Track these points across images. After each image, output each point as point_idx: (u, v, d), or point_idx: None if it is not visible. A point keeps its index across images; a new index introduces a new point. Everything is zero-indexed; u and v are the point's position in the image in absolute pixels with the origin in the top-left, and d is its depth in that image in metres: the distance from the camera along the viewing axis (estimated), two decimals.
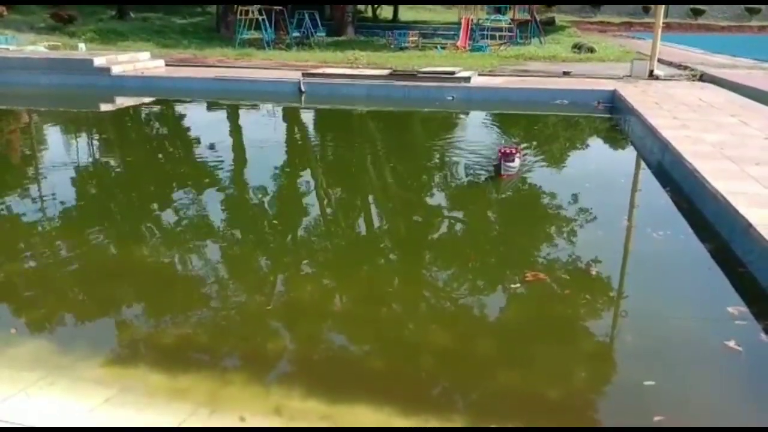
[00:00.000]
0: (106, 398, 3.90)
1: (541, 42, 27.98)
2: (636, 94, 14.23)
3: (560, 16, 37.43)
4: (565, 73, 18.39)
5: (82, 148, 12.58)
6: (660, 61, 18.81)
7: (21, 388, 3.97)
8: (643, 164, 10.43)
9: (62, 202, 8.41)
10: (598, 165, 10.74)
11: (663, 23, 17.97)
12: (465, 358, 4.70)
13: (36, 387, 4.00)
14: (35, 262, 6.54)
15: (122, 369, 4.34)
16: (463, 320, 5.30)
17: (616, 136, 13.03)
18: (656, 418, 3.88)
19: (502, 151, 8.56)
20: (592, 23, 44.76)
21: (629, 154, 11.54)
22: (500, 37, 27.42)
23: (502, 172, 8.46)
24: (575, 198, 8.18)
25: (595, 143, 12.77)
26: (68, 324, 5.21)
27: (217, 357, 4.62)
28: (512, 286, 5.71)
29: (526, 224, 7.52)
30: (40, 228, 7.51)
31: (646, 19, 45.96)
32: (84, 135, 13.97)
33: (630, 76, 17.48)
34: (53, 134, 14.11)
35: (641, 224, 7.44)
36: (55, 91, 17.92)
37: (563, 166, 10.75)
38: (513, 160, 8.53)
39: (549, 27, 33.35)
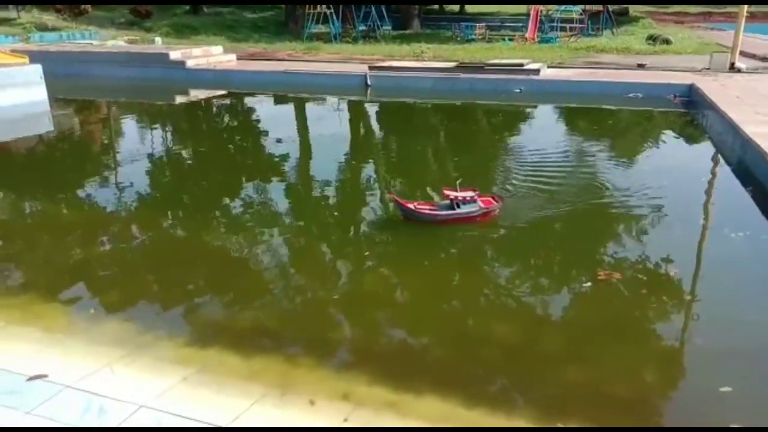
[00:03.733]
0: (184, 377, 4.08)
1: (613, 33, 27.09)
2: (715, 88, 13.61)
3: (634, 7, 36.08)
4: (640, 66, 17.77)
5: (157, 139, 13.12)
6: (742, 53, 17.89)
7: (106, 363, 4.21)
8: (722, 161, 9.98)
9: (138, 190, 8.82)
10: (673, 161, 10.34)
11: (747, 13, 17.05)
12: (533, 353, 4.66)
13: (120, 363, 4.24)
14: (113, 246, 6.91)
15: (199, 350, 4.53)
16: (531, 316, 5.25)
17: (693, 132, 12.50)
18: (733, 425, 3.75)
19: (461, 198, 6.82)
20: (668, 14, 42.88)
21: (707, 150, 11.06)
22: (570, 29, 26.72)
23: (457, 215, 6.87)
24: (650, 196, 7.91)
25: (671, 139, 12.29)
26: (146, 306, 5.47)
27: (286, 341, 4.76)
28: (584, 284, 5.60)
29: (599, 222, 7.34)
30: (117, 214, 7.90)
31: (728, 9, 43.66)
32: (159, 126, 14.56)
33: (709, 69, 16.72)
34: (130, 124, 14.78)
35: (719, 224, 7.14)
36: (133, 83, 18.72)
37: (637, 163, 10.41)
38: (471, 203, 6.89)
39: (622, 18, 32.22)
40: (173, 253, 6.71)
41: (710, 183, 8.92)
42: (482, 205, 6.82)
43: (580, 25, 27.01)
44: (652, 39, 24.21)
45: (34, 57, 16.31)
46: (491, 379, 4.28)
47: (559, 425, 3.80)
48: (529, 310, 5.33)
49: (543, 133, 12.72)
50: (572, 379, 4.32)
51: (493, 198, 6.98)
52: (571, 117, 14.64)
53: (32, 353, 4.30)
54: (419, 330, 4.98)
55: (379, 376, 4.17)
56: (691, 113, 13.52)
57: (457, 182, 6.97)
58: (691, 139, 12.06)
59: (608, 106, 14.76)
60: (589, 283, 5.57)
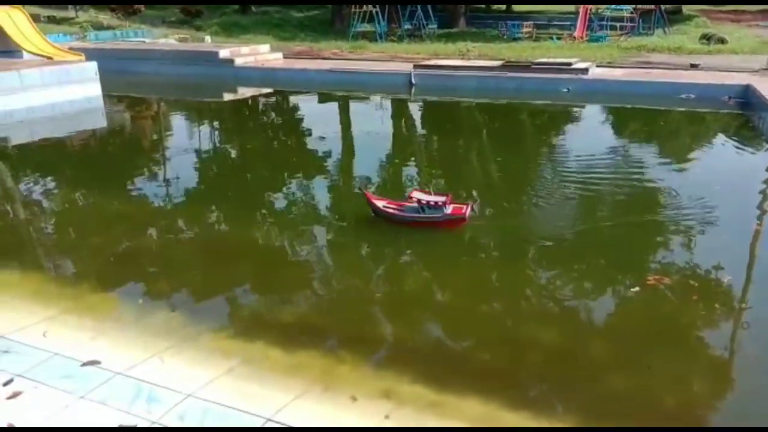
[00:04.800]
0: (229, 368, 4.17)
1: (665, 32, 26.35)
2: None
3: (688, 5, 35.01)
4: (693, 66, 17.24)
5: (205, 135, 13.41)
6: None
7: (154, 352, 4.33)
8: None
9: (185, 184, 9.04)
10: (726, 164, 10.01)
11: None
12: (578, 358, 4.59)
13: (167, 354, 4.35)
14: (160, 239, 7.11)
15: (243, 342, 4.62)
16: (577, 320, 5.17)
17: (748, 134, 12.06)
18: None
19: (425, 201, 6.66)
20: (723, 12, 41.45)
21: (762, 153, 10.66)
22: (621, 28, 26.11)
23: (420, 219, 6.74)
24: (701, 200, 7.67)
25: (724, 141, 11.89)
26: (192, 298, 5.61)
27: (329, 337, 4.81)
28: (632, 288, 5.48)
29: (647, 226, 7.15)
30: (165, 207, 8.11)
31: None
32: (207, 122, 14.87)
33: (767, 69, 16.11)
34: (179, 121, 15.15)
35: None
36: (183, 81, 19.16)
37: (688, 165, 10.12)
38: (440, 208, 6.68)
39: (675, 16, 31.31)
40: (218, 247, 6.85)
41: (765, 188, 8.60)
42: (449, 212, 6.60)
43: (631, 24, 26.35)
44: (706, 38, 23.44)
45: (90, 54, 16.88)
46: (534, 383, 4.23)
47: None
48: (575, 313, 5.25)
49: (590, 134, 12.49)
50: (617, 386, 4.24)
51: (465, 205, 6.73)
52: (620, 118, 14.32)
53: (85, 340, 4.46)
54: (462, 331, 4.97)
55: (420, 375, 4.16)
56: (747, 115, 13.05)
57: (431, 186, 6.86)
58: (745, 142, 11.63)
59: (659, 107, 14.36)
60: (637, 288, 5.45)
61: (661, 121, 13.64)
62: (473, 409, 3.85)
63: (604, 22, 26.29)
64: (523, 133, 13.07)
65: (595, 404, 4.02)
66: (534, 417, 3.81)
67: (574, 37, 24.46)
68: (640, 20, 26.85)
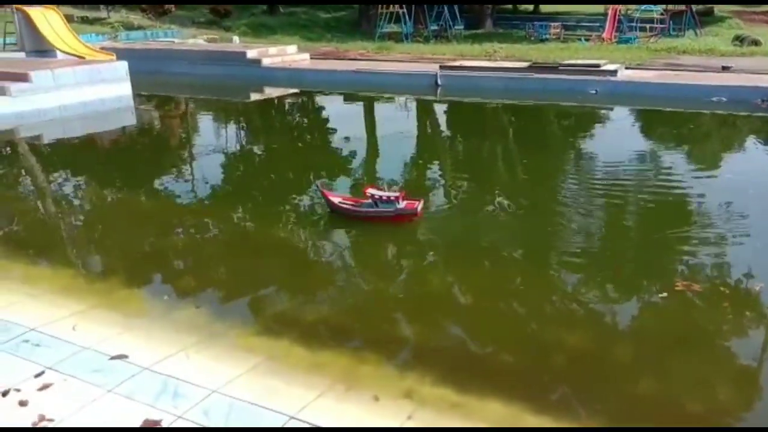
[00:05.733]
0: (254, 365, 4.21)
1: (696, 34, 25.90)
2: None
3: (720, 6, 34.33)
4: (725, 68, 16.91)
5: (231, 134, 13.56)
6: None
7: (180, 348, 4.39)
8: None
9: (211, 183, 9.14)
10: (759, 169, 9.80)
11: None
12: (603, 362, 4.54)
13: (193, 350, 4.41)
14: (186, 236, 7.21)
15: (267, 340, 4.66)
16: (603, 324, 5.12)
17: None
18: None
19: (377, 196, 6.89)
20: (757, 13, 40.58)
21: None
22: (651, 29, 25.73)
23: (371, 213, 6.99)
24: (732, 205, 7.52)
25: (757, 145, 11.64)
26: (217, 295, 5.69)
27: (353, 337, 4.83)
28: (660, 294, 5.40)
29: (677, 231, 7.03)
30: (191, 205, 8.21)
31: None
32: (234, 122, 15.03)
33: None
34: (207, 120, 15.35)
35: None
36: (211, 81, 19.37)
37: (718, 169, 9.94)
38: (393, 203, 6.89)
39: (706, 18, 30.73)
40: (243, 245, 6.92)
41: None
42: (401, 206, 6.85)
43: (661, 26, 25.94)
44: (739, 40, 22.98)
45: (121, 54, 17.18)
46: (558, 386, 4.18)
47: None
48: (600, 317, 5.19)
49: (618, 137, 12.34)
50: (643, 391, 4.18)
51: (417, 201, 6.96)
52: (649, 120, 14.11)
53: (113, 335, 4.53)
54: (485, 333, 4.95)
55: (443, 376, 4.15)
56: None
57: (385, 183, 7.04)
58: None
59: (689, 110, 14.14)
60: (665, 294, 5.36)
61: (691, 125, 13.41)
62: (495, 411, 3.83)
63: (634, 24, 25.93)
64: (549, 135, 12.96)
65: (618, 409, 3.97)
66: (556, 420, 3.78)
67: (603, 39, 24.18)
68: (671, 21, 26.43)
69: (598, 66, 16.00)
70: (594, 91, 15.26)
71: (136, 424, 3.48)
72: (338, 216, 7.17)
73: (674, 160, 10.31)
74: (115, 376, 3.96)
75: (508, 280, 5.87)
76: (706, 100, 14.21)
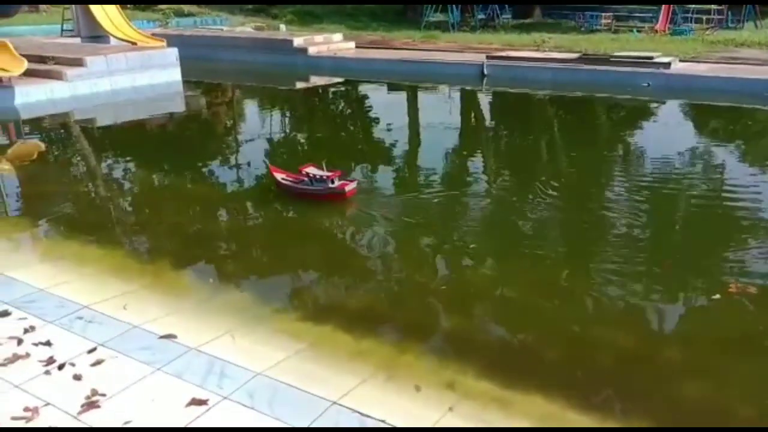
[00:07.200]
0: (297, 350, 4.26)
1: (756, 26, 24.87)
2: None
3: None
4: None
5: (276, 122, 13.70)
6: None
7: (226, 330, 4.47)
8: None
9: (256, 169, 9.24)
10: None
11: None
12: (651, 363, 4.42)
13: (238, 332, 4.48)
14: (231, 221, 7.34)
15: (311, 325, 4.71)
16: (652, 325, 4.99)
17: None
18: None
19: (312, 175, 7.26)
20: None
21: None
22: (707, 20, 24.82)
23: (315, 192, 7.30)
24: None
25: None
26: (262, 279, 5.80)
27: (395, 326, 4.84)
28: (712, 296, 5.23)
29: (730, 231, 6.79)
30: (236, 190, 8.32)
31: None
32: (279, 110, 15.17)
33: None
34: (253, 107, 15.54)
35: None
36: (258, 68, 19.58)
37: None
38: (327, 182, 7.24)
39: None
40: (285, 231, 7.02)
41: None
42: (334, 186, 7.22)
43: (719, 17, 25.02)
44: None
45: (171, 41, 17.52)
46: (603, 386, 4.11)
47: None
48: (649, 317, 5.07)
49: (669, 131, 11.98)
50: (692, 394, 4.08)
51: (351, 182, 7.38)
52: (703, 115, 13.66)
53: (162, 315, 4.65)
54: (529, 327, 4.89)
55: (486, 370, 4.13)
56: None
57: (323, 162, 7.38)
58: None
59: (746, 105, 13.60)
60: (717, 296, 5.20)
61: (748, 120, 12.92)
62: (539, 407, 3.78)
63: (689, 15, 25.07)
64: (598, 128, 12.67)
65: (665, 411, 3.87)
66: (600, 420, 3.71)
67: (656, 30, 23.45)
68: (729, 13, 25.45)
69: (650, 58, 15.54)
70: (646, 84, 14.83)
71: (184, 402, 3.56)
72: (283, 193, 7.61)
73: (729, 156, 9.96)
74: (163, 354, 4.06)
75: (552, 275, 5.77)
76: (766, 95, 13.64)
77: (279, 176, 7.70)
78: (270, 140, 11.52)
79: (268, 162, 7.92)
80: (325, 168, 7.40)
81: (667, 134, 11.67)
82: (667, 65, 15.16)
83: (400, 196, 8.06)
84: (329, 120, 13.75)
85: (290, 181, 7.64)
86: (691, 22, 24.44)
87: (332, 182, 7.23)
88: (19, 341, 4.19)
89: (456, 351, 4.46)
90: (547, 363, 4.42)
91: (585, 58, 16.37)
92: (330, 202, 7.29)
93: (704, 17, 25.01)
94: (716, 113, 13.66)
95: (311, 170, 7.38)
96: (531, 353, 4.57)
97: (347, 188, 7.26)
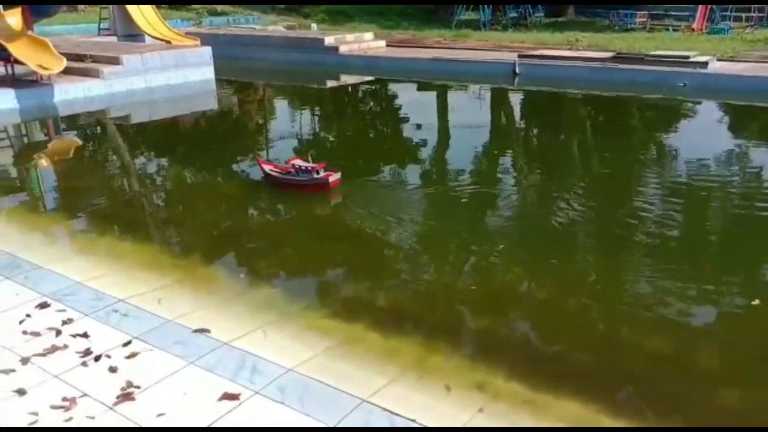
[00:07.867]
0: (327, 347, 4.27)
1: None
2: None
3: None
4: None
5: (307, 120, 13.78)
6: None
7: (258, 326, 4.51)
8: None
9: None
10: None
11: None
12: (687, 368, 4.34)
13: (270, 329, 4.52)
14: (262, 218, 7.42)
15: (341, 323, 4.73)
16: (688, 329, 4.90)
17: None
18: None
19: (297, 166, 7.69)
20: None
21: None
22: (747, 18, 24.22)
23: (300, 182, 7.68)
24: None
25: None
26: (292, 277, 5.83)
27: (425, 325, 4.82)
28: (752, 302, 5.10)
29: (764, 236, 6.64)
30: (267, 188, 8.39)
31: None
32: (309, 108, 15.26)
33: None
34: (283, 106, 15.65)
35: None
36: (289, 67, 19.70)
37: None
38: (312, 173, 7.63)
39: None
40: (317, 229, 7.04)
41: None
42: (318, 177, 7.55)
43: (759, 15, 24.38)
44: None
45: (204, 39, 17.75)
46: (636, 391, 4.04)
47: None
48: (685, 322, 4.97)
49: (705, 132, 11.72)
50: (727, 401, 3.98)
51: (334, 172, 7.67)
52: (741, 116, 13.34)
53: (195, 310, 4.72)
54: (560, 329, 4.83)
55: (518, 371, 4.09)
56: None
57: (309, 154, 7.85)
58: None
59: None
60: (757, 301, 5.07)
61: None
62: (570, 411, 3.73)
63: (727, 13, 24.48)
64: (633, 128, 12.45)
65: (700, 418, 3.79)
66: (631, 423, 3.65)
67: (693, 29, 22.96)
68: None
69: (687, 57, 15.22)
70: (682, 84, 14.54)
71: (216, 396, 3.60)
72: (272, 185, 7.93)
73: (766, 160, 9.70)
74: (196, 349, 4.11)
75: (584, 277, 5.71)
76: None
77: (267, 168, 8.10)
78: (301, 138, 11.59)
79: (256, 156, 8.44)
80: (311, 160, 7.74)
81: (703, 135, 11.42)
82: (704, 65, 14.84)
83: (427, 191, 8.06)
84: (360, 118, 13.78)
85: (277, 172, 8.02)
86: (729, 21, 23.88)
87: (317, 173, 7.58)
88: (58, 332, 4.29)
89: (485, 352, 4.43)
90: (579, 366, 4.36)
91: (619, 58, 16.11)
92: (314, 192, 7.64)
93: (743, 15, 24.41)
94: (755, 114, 13.33)
95: (297, 162, 7.77)
96: (562, 356, 4.51)
97: (331, 179, 7.58)
